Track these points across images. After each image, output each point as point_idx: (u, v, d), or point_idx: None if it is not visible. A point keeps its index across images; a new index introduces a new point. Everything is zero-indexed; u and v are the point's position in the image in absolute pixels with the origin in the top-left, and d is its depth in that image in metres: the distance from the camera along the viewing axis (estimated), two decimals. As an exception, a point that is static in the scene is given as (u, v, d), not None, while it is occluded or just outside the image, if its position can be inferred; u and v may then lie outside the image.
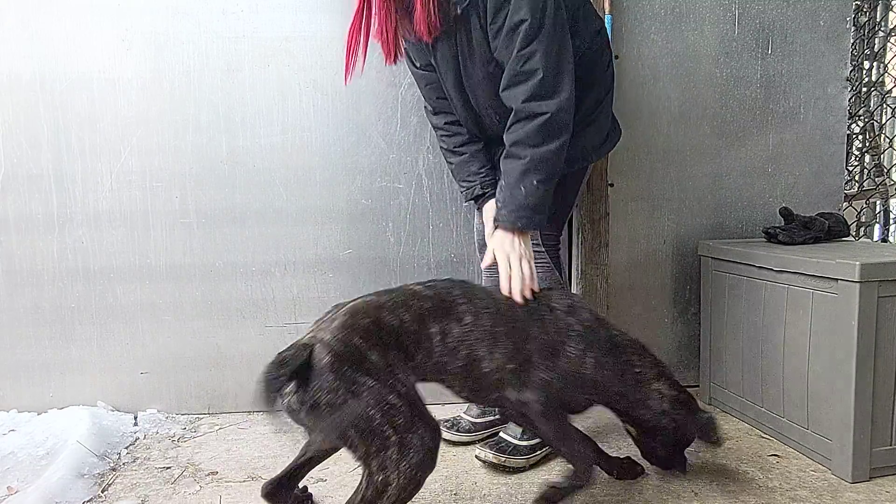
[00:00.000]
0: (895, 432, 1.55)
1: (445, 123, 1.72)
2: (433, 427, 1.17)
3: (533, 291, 1.43)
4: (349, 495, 1.15)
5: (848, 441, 1.52)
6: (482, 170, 1.70)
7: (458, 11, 1.43)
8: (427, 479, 1.16)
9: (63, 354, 2.03)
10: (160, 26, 1.95)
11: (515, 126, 1.42)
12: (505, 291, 1.39)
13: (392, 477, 1.11)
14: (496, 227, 1.47)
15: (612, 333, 1.45)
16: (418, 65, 1.64)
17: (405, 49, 1.59)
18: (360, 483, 1.15)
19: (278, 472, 1.39)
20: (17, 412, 2.00)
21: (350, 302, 1.27)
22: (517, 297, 1.36)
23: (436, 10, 1.41)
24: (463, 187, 1.75)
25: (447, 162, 1.79)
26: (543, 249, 1.65)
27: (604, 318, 1.48)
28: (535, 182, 1.40)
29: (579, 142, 1.55)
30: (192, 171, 2.00)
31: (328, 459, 1.70)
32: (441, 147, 1.77)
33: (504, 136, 1.46)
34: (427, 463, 1.15)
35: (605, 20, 1.96)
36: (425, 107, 1.79)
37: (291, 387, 1.13)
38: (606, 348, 1.41)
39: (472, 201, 1.75)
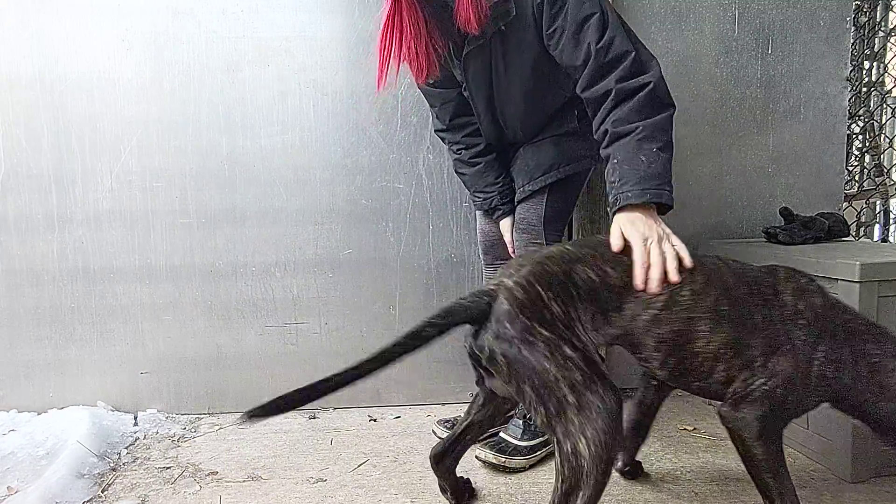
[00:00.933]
0: (895, 432, 1.55)
1: (463, 137, 1.70)
2: (613, 388, 1.06)
3: (757, 271, 1.27)
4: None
5: (848, 441, 1.52)
6: (499, 179, 1.69)
7: (502, 27, 1.39)
8: (611, 450, 1.04)
9: (63, 354, 2.03)
10: (160, 26, 1.95)
11: (615, 109, 1.27)
12: (639, 283, 1.16)
13: (581, 446, 1.02)
14: (615, 213, 1.25)
15: (847, 318, 1.24)
16: (432, 80, 1.56)
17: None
18: (557, 459, 1.06)
19: (445, 435, 1.35)
20: (17, 412, 2.00)
21: (546, 249, 1.20)
22: (654, 288, 1.15)
23: None
24: (478, 198, 1.73)
25: (459, 173, 1.77)
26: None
27: (838, 302, 1.27)
28: (654, 150, 1.23)
29: (590, 140, 1.54)
30: (192, 171, 2.00)
31: (328, 459, 1.72)
32: (455, 159, 1.75)
33: (598, 130, 1.33)
34: (614, 427, 1.03)
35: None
36: (436, 129, 1.77)
37: (471, 334, 1.09)
38: (841, 338, 1.20)
39: (488, 213, 1.74)
